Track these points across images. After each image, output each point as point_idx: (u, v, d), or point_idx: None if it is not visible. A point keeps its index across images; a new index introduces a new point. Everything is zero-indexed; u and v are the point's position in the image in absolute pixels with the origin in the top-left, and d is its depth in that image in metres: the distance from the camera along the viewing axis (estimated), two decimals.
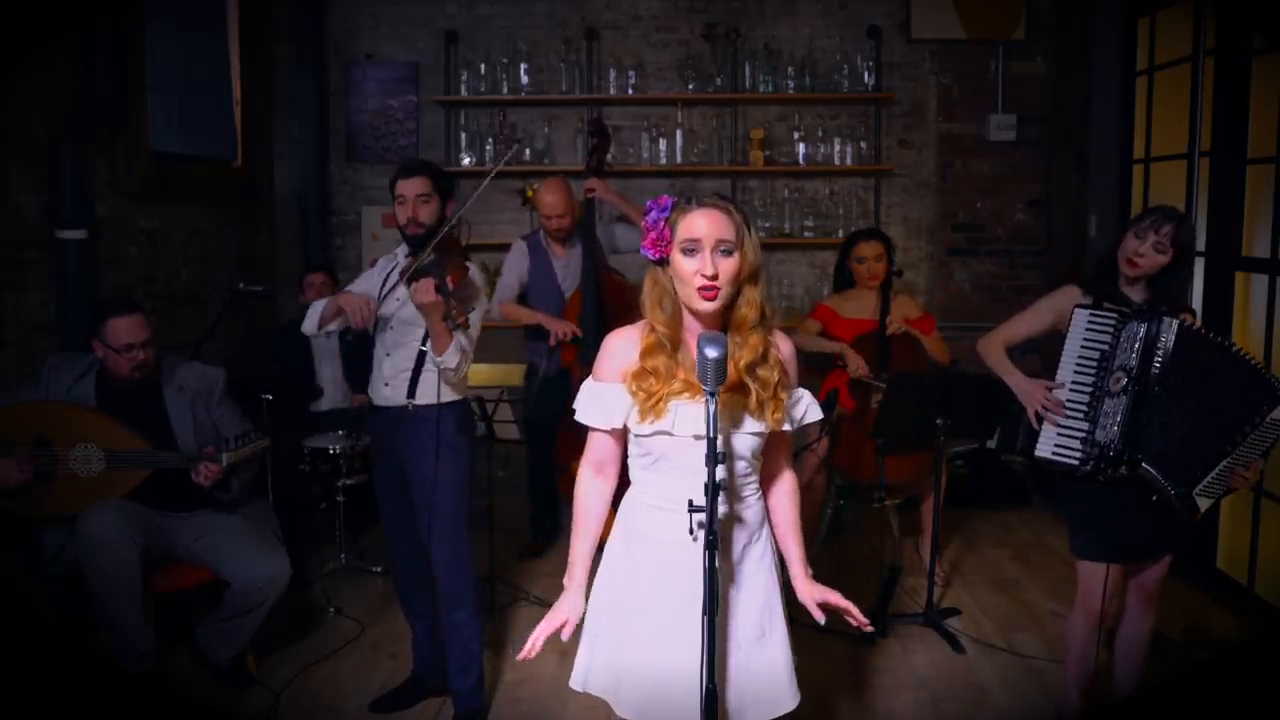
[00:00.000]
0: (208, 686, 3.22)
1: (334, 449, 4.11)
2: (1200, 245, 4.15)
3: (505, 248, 5.09)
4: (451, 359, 2.82)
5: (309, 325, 3.01)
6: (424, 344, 2.89)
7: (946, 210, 5.40)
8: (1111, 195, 4.91)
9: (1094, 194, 5.06)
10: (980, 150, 5.34)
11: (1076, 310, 2.70)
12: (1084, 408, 2.69)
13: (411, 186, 2.90)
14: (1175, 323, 2.60)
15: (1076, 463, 2.69)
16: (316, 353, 4.61)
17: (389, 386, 2.97)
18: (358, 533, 4.61)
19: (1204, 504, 2.62)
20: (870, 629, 1.97)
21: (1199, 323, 2.73)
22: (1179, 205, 4.22)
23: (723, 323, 1.90)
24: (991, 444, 4.10)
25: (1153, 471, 2.62)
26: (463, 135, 5.34)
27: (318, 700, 3.21)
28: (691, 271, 1.83)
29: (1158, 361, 2.61)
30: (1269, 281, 3.73)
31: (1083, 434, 2.68)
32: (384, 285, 2.96)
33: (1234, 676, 3.26)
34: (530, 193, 5.27)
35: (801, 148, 5.29)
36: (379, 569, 4.22)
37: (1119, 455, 2.64)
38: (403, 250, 3.02)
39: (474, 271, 2.97)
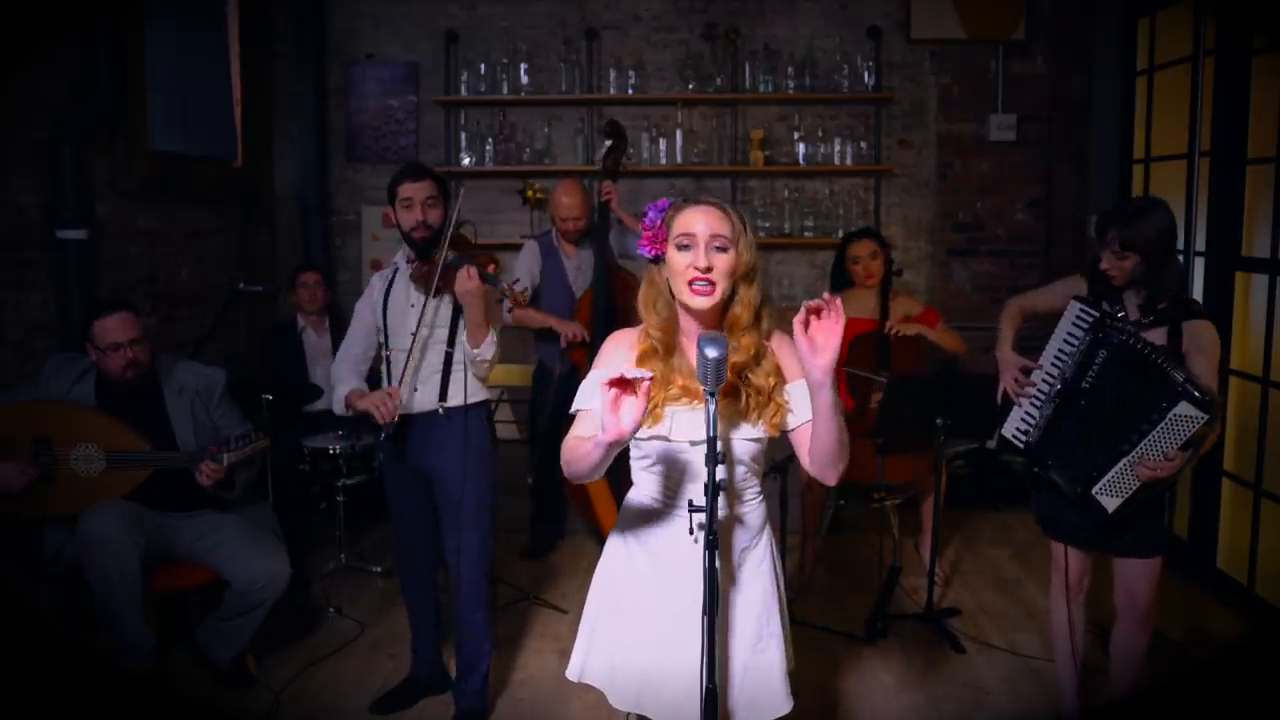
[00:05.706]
0: (208, 686, 3.22)
1: (334, 449, 4.11)
2: (1200, 245, 4.16)
3: (506, 247, 5.10)
4: (489, 350, 2.86)
5: (338, 406, 3.02)
6: (449, 345, 2.90)
7: (946, 210, 5.40)
8: (1111, 195, 4.91)
9: (1094, 194, 5.07)
10: (980, 150, 5.34)
11: (1072, 301, 2.73)
12: (1043, 398, 2.74)
13: (420, 189, 2.88)
14: (1118, 340, 2.58)
15: (1023, 447, 2.76)
16: (309, 353, 4.61)
17: (418, 391, 2.95)
18: (358, 533, 4.61)
19: (1111, 504, 2.58)
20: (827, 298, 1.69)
21: (1199, 330, 2.59)
22: (1179, 205, 4.23)
23: (717, 324, 1.89)
24: (991, 444, 4.09)
25: (1057, 479, 2.67)
26: (463, 135, 5.34)
27: (318, 700, 3.21)
28: (685, 265, 1.82)
29: (1090, 375, 2.63)
30: (1269, 281, 3.73)
31: (1034, 423, 2.74)
32: (388, 296, 2.96)
33: (1234, 676, 3.27)
34: (530, 192, 5.28)
35: (801, 148, 5.29)
36: (379, 569, 4.22)
37: (1035, 458, 2.71)
38: (402, 258, 2.99)
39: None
